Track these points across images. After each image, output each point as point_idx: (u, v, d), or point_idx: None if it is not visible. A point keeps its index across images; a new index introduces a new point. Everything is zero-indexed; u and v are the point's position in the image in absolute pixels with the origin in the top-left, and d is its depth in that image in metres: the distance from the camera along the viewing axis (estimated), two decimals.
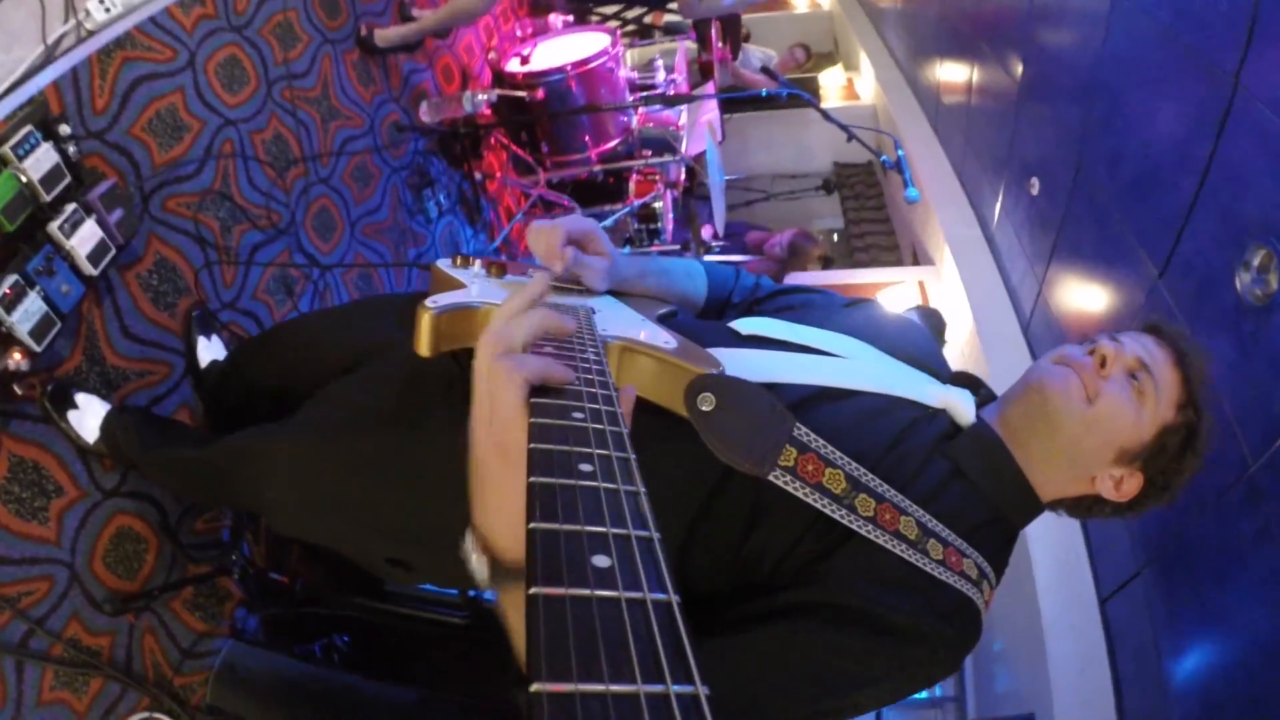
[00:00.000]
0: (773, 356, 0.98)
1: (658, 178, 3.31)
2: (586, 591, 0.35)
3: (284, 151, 2.43)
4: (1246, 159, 1.96)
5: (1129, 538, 2.53)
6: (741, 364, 0.90)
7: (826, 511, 0.82)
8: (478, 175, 3.25)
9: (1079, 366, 0.97)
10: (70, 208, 1.72)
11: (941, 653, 0.84)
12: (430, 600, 2.07)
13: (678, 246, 3.35)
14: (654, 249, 3.38)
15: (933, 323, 2.86)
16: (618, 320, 0.87)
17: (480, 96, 2.85)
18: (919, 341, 1.10)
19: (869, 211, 4.65)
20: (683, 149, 3.23)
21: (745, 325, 1.04)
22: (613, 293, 1.04)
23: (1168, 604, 2.34)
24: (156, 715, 1.81)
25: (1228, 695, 2.03)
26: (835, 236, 4.84)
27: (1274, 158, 1.87)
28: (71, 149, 1.73)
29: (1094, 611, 2.62)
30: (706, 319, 1.16)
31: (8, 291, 1.59)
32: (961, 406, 0.98)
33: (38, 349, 1.64)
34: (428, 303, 0.81)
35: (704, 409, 0.77)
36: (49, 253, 1.68)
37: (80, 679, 1.67)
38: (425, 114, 3.00)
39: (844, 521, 0.82)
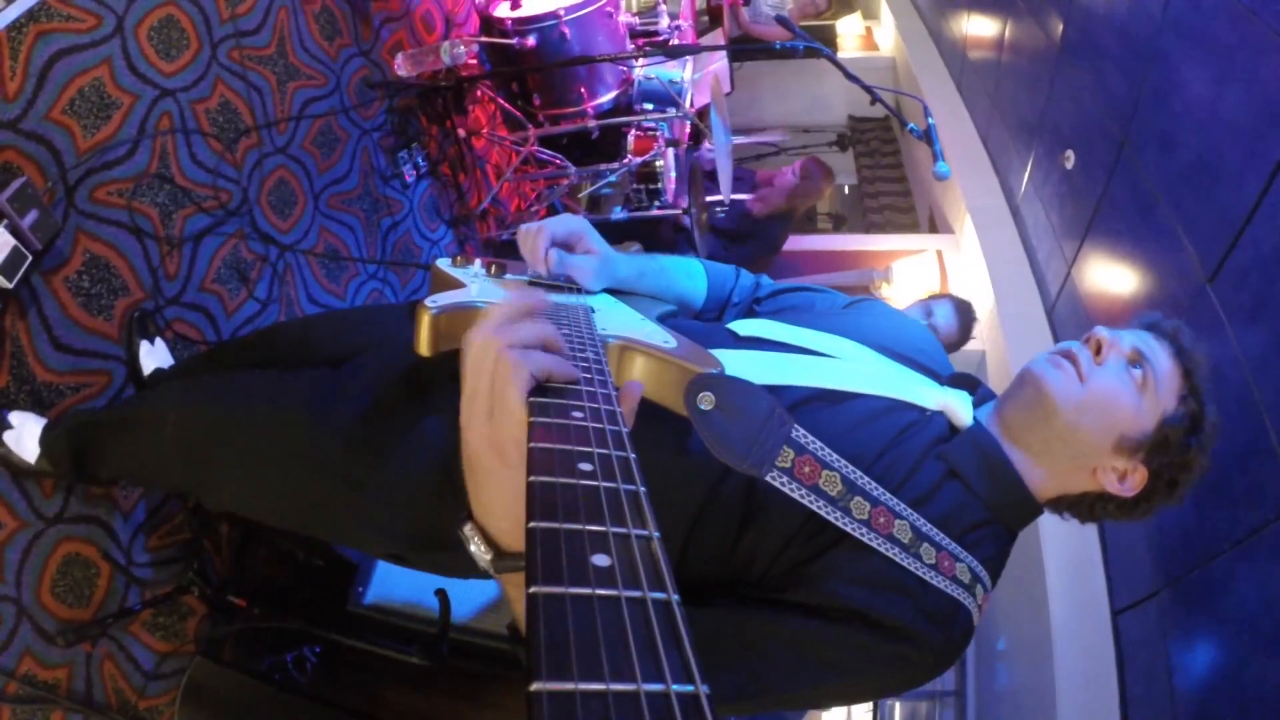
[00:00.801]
0: (771, 358, 0.99)
1: (658, 134, 3.03)
2: (587, 590, 0.35)
3: (233, 121, 2.17)
4: None
5: (1151, 555, 2.39)
6: (740, 365, 0.92)
7: (822, 514, 0.83)
8: (462, 133, 2.97)
9: (1073, 355, 0.96)
10: None
11: (930, 657, 0.85)
12: (391, 630, 1.98)
13: (678, 210, 3.09)
14: (655, 211, 3.13)
15: (964, 318, 2.65)
16: (617, 319, 0.89)
17: (460, 48, 2.56)
18: (919, 342, 1.10)
19: (885, 170, 4.35)
20: (686, 103, 2.94)
21: (744, 327, 1.05)
22: (612, 292, 1.05)
23: (1185, 632, 2.23)
24: None
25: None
26: (846, 189, 4.56)
27: None
28: None
29: (1105, 623, 2.51)
30: (706, 319, 1.18)
31: None
32: (958, 408, 0.98)
33: None
34: (427, 302, 0.82)
35: (703, 408, 0.77)
36: None
37: (39, 715, 1.63)
38: (401, 67, 2.70)
39: (838, 524, 0.84)
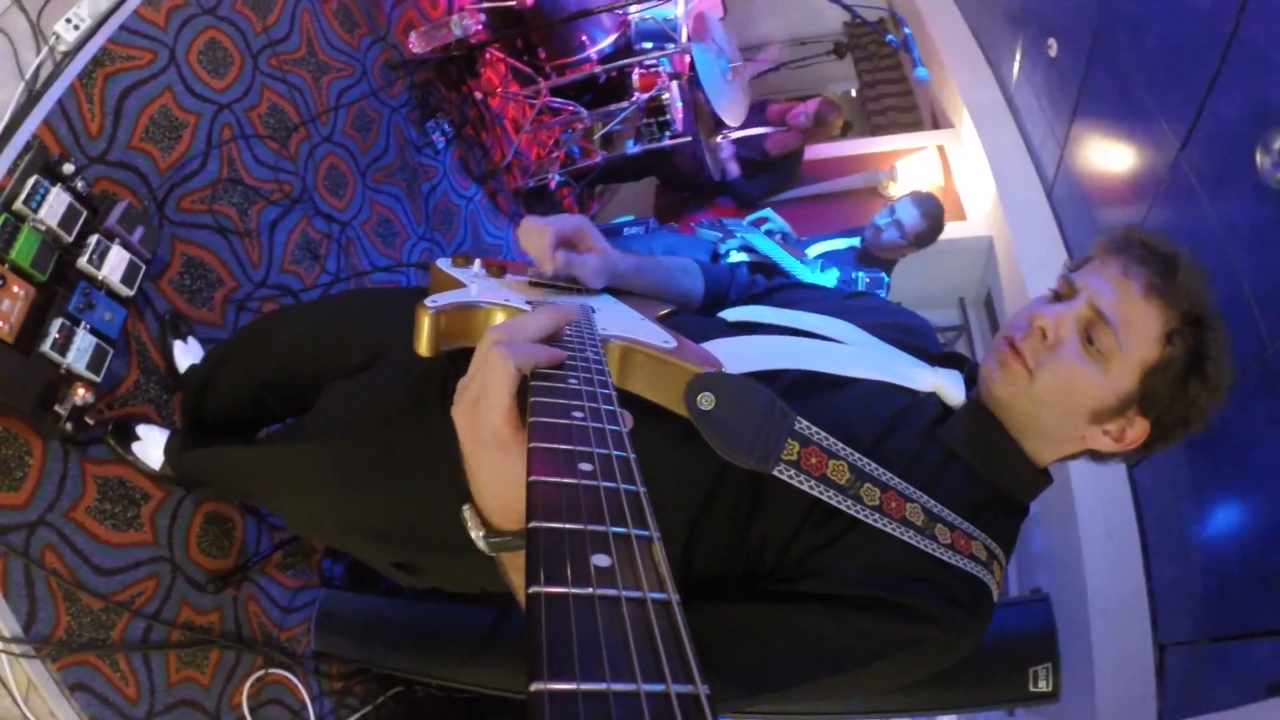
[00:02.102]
0: (761, 340, 0.99)
1: (660, 70, 3.20)
2: (587, 591, 0.35)
3: (282, 121, 2.43)
4: (1272, 39, 1.87)
5: None
6: (730, 351, 0.89)
7: (833, 503, 0.82)
8: (478, 95, 3.18)
9: (1023, 338, 0.92)
10: (93, 240, 1.79)
11: (954, 634, 0.84)
12: None
13: (689, 138, 3.28)
14: (667, 142, 3.32)
15: (924, 208, 2.81)
16: (617, 320, 0.87)
17: (469, 20, 2.75)
18: (908, 322, 1.11)
19: (884, 72, 4.40)
20: (682, 37, 3.09)
21: (735, 313, 1.06)
22: (612, 291, 1.05)
23: (1190, 475, 2.43)
24: (271, 671, 2.05)
25: (1240, 566, 2.16)
26: (853, 92, 4.61)
27: None
28: (80, 184, 1.79)
29: (1123, 477, 2.73)
30: (704, 315, 1.16)
31: (58, 336, 1.70)
32: (950, 388, 0.97)
33: (98, 379, 1.77)
34: (427, 302, 0.81)
35: (704, 408, 0.77)
36: (84, 288, 1.77)
37: (200, 656, 1.89)
38: (416, 45, 2.92)
39: (850, 512, 0.82)
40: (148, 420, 1.87)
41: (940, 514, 0.85)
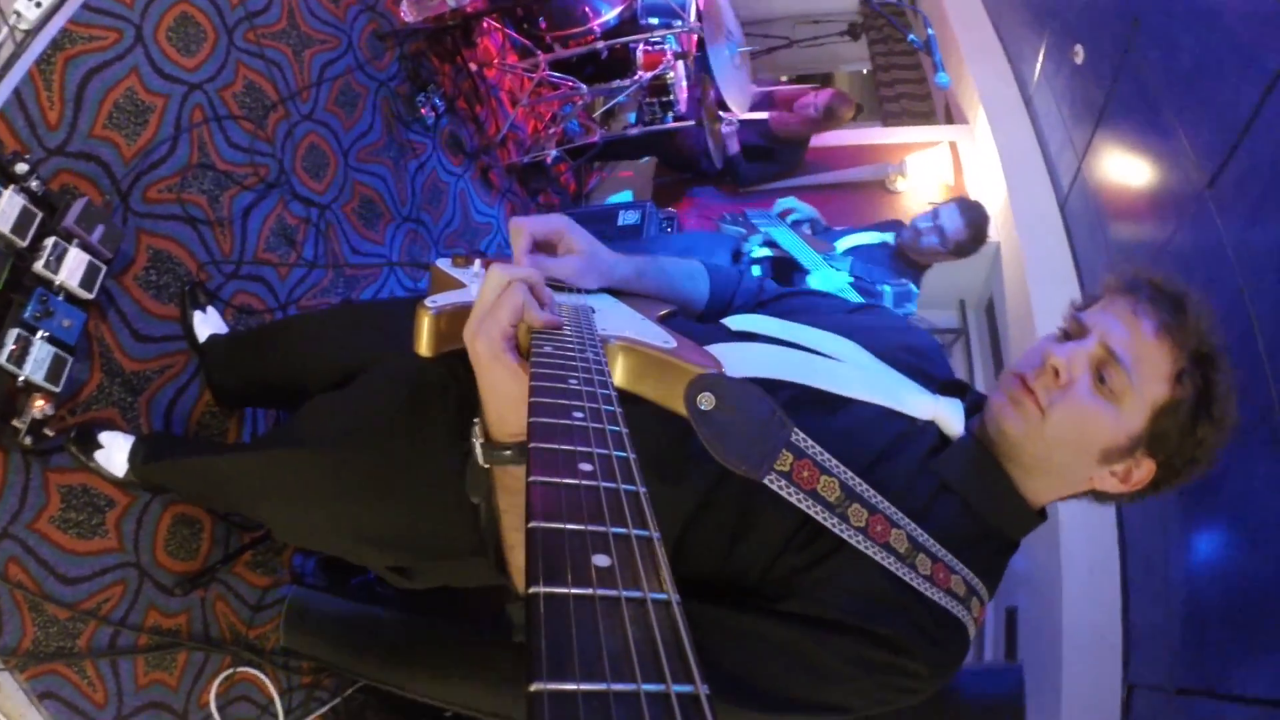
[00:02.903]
0: (764, 350, 0.98)
1: (665, 48, 3.04)
2: (588, 591, 0.35)
3: (259, 99, 2.28)
4: None
5: None
6: (732, 358, 0.89)
7: (819, 519, 0.82)
8: (474, 66, 3.01)
9: (1035, 376, 0.92)
10: (50, 242, 1.68)
11: (925, 670, 0.84)
12: None
13: (693, 122, 3.13)
14: (669, 124, 3.17)
15: (969, 215, 2.68)
16: (617, 320, 0.88)
17: None
18: (916, 344, 1.08)
19: (899, 56, 4.20)
20: (690, 15, 2.92)
21: (738, 321, 1.05)
22: (612, 292, 1.04)
23: (1183, 523, 2.38)
24: (239, 669, 2.03)
25: (1220, 625, 2.13)
26: (865, 70, 4.42)
27: None
28: (34, 183, 1.66)
29: (1110, 514, 2.68)
30: (707, 322, 1.14)
31: (14, 347, 1.61)
32: (950, 418, 0.96)
33: (57, 389, 1.68)
34: (426, 303, 0.82)
35: (703, 409, 0.76)
36: (41, 295, 1.68)
37: (167, 658, 1.87)
38: (407, 13, 2.73)
39: (835, 530, 0.82)
40: (112, 426, 1.81)
41: (925, 544, 0.85)
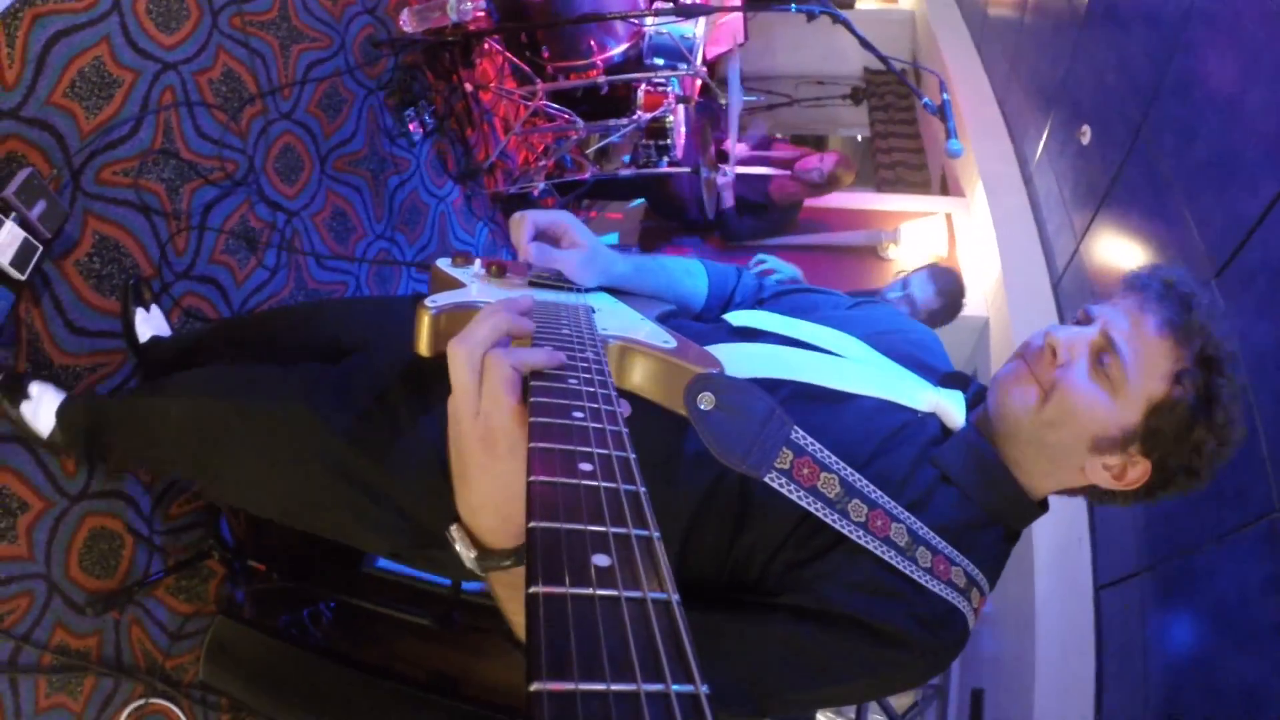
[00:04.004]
0: (764, 350, 0.98)
1: (668, 90, 2.97)
2: (587, 591, 0.35)
3: (237, 89, 2.14)
4: None
5: (1134, 534, 2.45)
6: (732, 357, 0.90)
7: (819, 515, 0.82)
8: (469, 87, 2.91)
9: (1032, 358, 0.93)
10: None
11: (922, 660, 0.85)
12: (404, 592, 2.06)
13: (689, 169, 3.05)
14: (665, 168, 3.09)
15: (941, 284, 2.62)
16: (617, 319, 0.87)
17: (467, 4, 2.48)
18: (916, 338, 1.09)
19: (899, 125, 4.22)
20: (698, 60, 2.86)
21: (739, 318, 1.05)
22: (612, 291, 1.04)
23: (1161, 614, 2.31)
24: (152, 701, 1.89)
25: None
26: (859, 138, 4.43)
27: None
28: None
29: (1088, 598, 2.59)
30: (707, 320, 1.15)
31: None
32: (951, 410, 0.96)
33: None
34: (426, 302, 0.81)
35: (703, 408, 0.76)
36: None
37: (73, 681, 1.72)
38: (407, 23, 2.63)
39: (836, 526, 0.83)
40: (44, 379, 1.64)
41: (925, 537, 0.85)
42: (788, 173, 3.37)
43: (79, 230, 1.75)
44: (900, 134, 4.24)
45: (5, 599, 1.59)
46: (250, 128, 2.19)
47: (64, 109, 1.70)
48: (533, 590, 0.35)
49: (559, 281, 1.01)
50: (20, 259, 1.59)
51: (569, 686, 0.30)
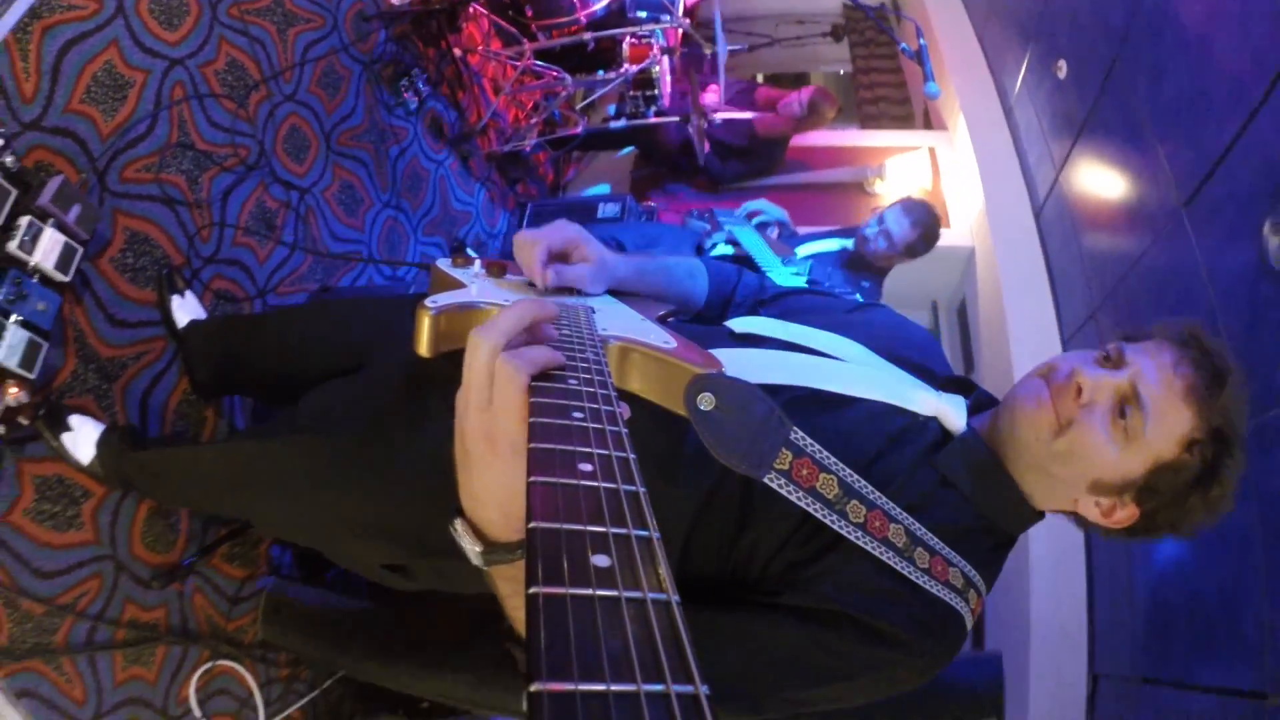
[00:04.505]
0: (765, 355, 0.98)
1: (652, 42, 3.01)
2: (587, 591, 0.35)
3: (241, 77, 2.20)
4: None
5: None
6: (734, 363, 0.90)
7: (818, 516, 0.83)
8: (457, 52, 2.95)
9: (1056, 390, 0.92)
10: (25, 221, 1.62)
11: (920, 661, 0.86)
12: None
13: (677, 118, 3.12)
14: (652, 119, 3.15)
15: (915, 216, 2.70)
16: (617, 320, 0.87)
17: None
18: (917, 343, 1.10)
19: (880, 60, 4.24)
20: (679, 11, 2.90)
21: (740, 324, 1.05)
22: (613, 292, 1.04)
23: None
24: (218, 663, 2.00)
25: (1186, 620, 2.20)
26: (841, 72, 4.44)
27: None
28: (9, 159, 1.59)
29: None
30: (709, 319, 1.16)
31: None
32: (951, 414, 0.97)
33: (31, 376, 1.63)
34: (427, 303, 0.80)
35: (703, 409, 0.76)
36: (15, 276, 1.61)
37: (146, 653, 1.84)
38: None
39: (834, 527, 0.84)
40: (84, 411, 1.74)
41: (923, 538, 0.86)
42: (770, 114, 3.43)
43: (110, 229, 1.84)
44: (882, 69, 4.27)
45: (79, 583, 1.69)
46: (258, 113, 2.26)
47: (83, 114, 1.77)
48: (533, 590, 0.35)
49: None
50: (63, 262, 1.68)
51: (569, 687, 0.30)
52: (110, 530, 1.77)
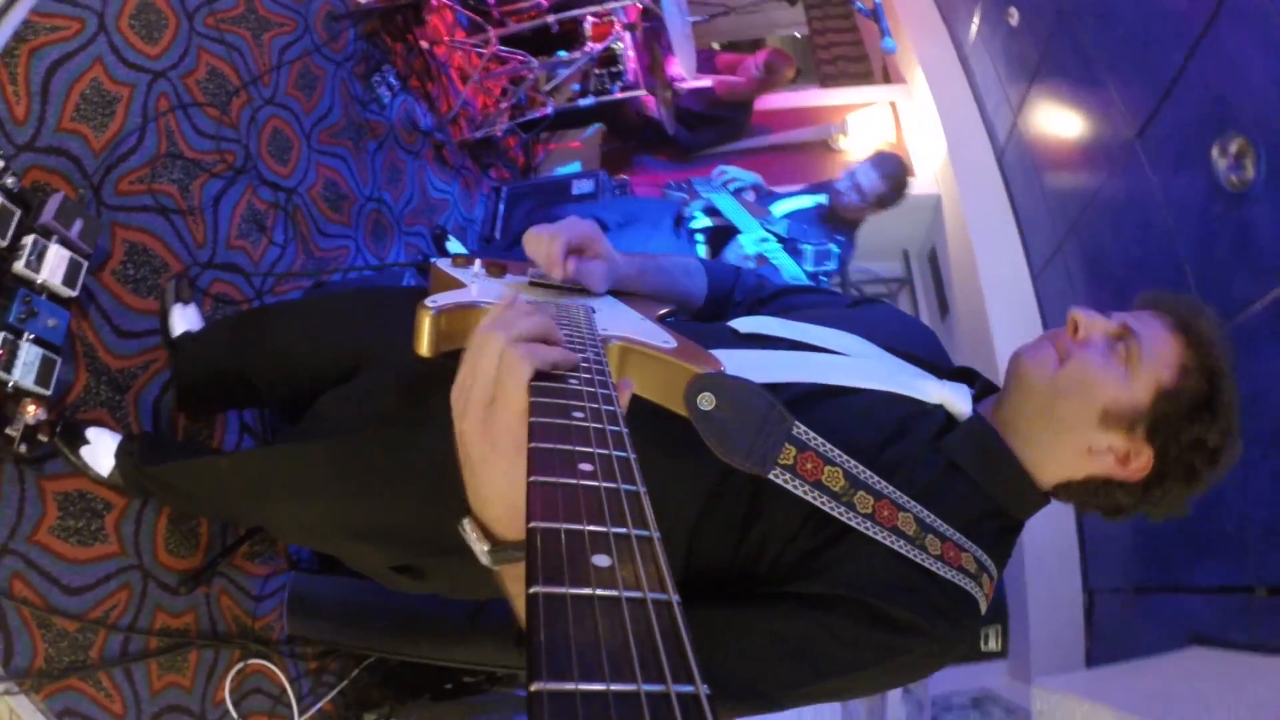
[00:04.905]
0: (771, 355, 0.98)
1: (614, 19, 3.07)
2: (587, 591, 0.35)
3: (222, 85, 2.24)
4: (1239, 46, 1.91)
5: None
6: (740, 363, 0.89)
7: (825, 509, 0.83)
8: (424, 44, 2.99)
9: (1054, 334, 0.96)
10: (29, 240, 1.65)
11: (936, 645, 0.85)
12: None
13: (642, 90, 3.18)
14: (618, 94, 3.22)
15: (885, 169, 2.80)
16: (617, 320, 0.88)
17: None
18: (920, 338, 1.12)
19: (835, 20, 4.31)
20: None
21: (744, 324, 1.05)
22: (613, 292, 1.04)
23: None
24: (250, 662, 2.04)
25: (1171, 527, 2.33)
26: (797, 35, 4.51)
27: (1266, 50, 1.83)
28: (9, 180, 1.63)
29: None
30: (706, 317, 1.18)
31: (1, 352, 1.58)
32: (957, 401, 0.97)
33: (48, 393, 1.66)
34: (427, 302, 0.81)
35: (704, 408, 0.77)
36: (24, 295, 1.64)
37: (180, 659, 1.87)
38: None
39: (843, 519, 0.83)
40: (100, 424, 1.77)
41: (933, 524, 0.86)
42: (731, 77, 3.50)
43: (109, 242, 1.87)
44: (838, 28, 4.34)
45: (109, 595, 1.72)
46: (240, 118, 2.30)
47: (74, 132, 1.81)
48: (533, 590, 0.35)
49: (559, 281, 1.01)
50: (70, 277, 1.72)
51: (569, 687, 0.30)
52: (134, 540, 1.80)
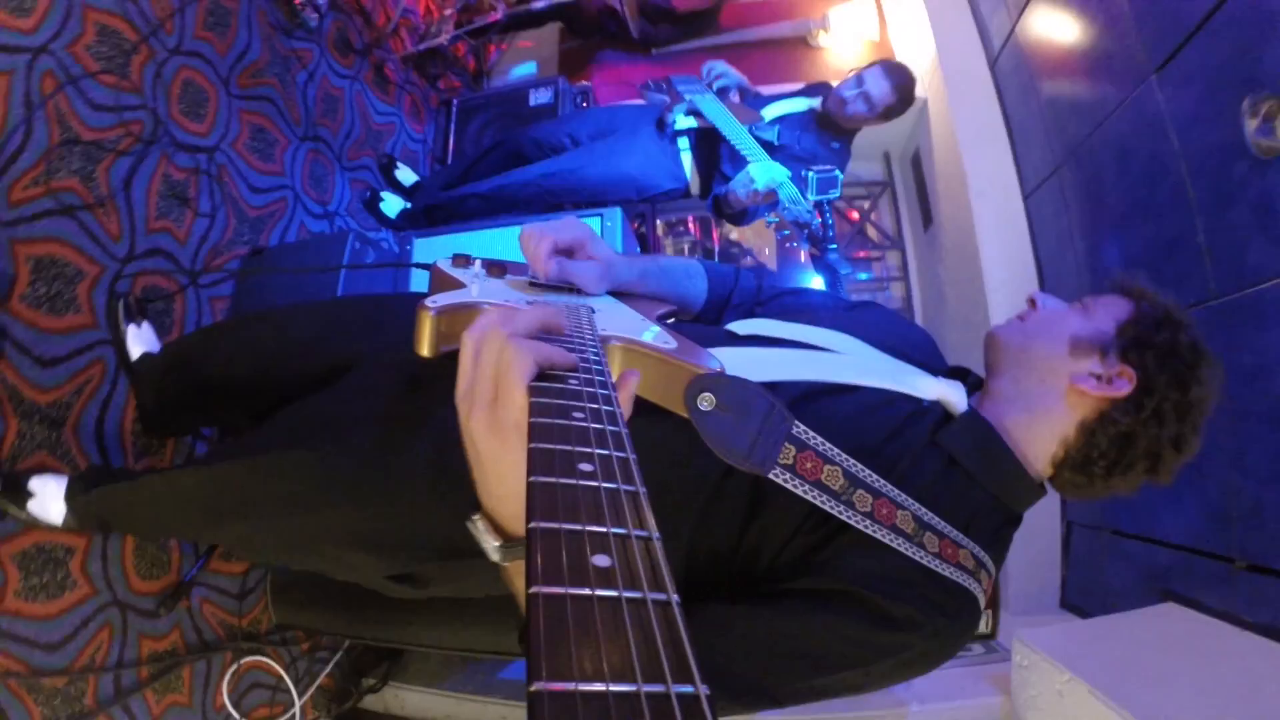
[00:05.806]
0: (770, 354, 1.00)
1: None
2: (587, 591, 0.35)
3: (117, 45, 1.90)
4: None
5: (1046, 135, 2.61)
6: (739, 363, 0.91)
7: (825, 508, 0.84)
8: None
9: (1017, 315, 1.07)
10: None
11: (935, 641, 0.86)
12: None
13: None
14: None
15: (895, 79, 2.59)
16: (618, 320, 0.89)
17: None
18: (914, 338, 1.13)
19: None
20: None
21: (743, 326, 1.07)
22: (613, 293, 1.05)
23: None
24: (243, 661, 2.03)
25: None
26: None
27: None
28: None
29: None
30: (706, 320, 1.19)
31: None
32: (953, 397, 0.99)
33: None
34: (427, 303, 0.82)
35: (703, 408, 0.78)
36: None
37: (173, 679, 1.84)
38: None
39: (842, 517, 0.84)
40: (42, 470, 1.63)
41: (930, 522, 0.87)
42: None
43: (11, 265, 1.64)
44: None
45: (89, 640, 1.66)
46: (143, 78, 1.98)
47: None
48: (533, 590, 0.35)
49: (560, 283, 1.02)
50: None
51: (569, 687, 0.30)
52: (104, 576, 1.72)
